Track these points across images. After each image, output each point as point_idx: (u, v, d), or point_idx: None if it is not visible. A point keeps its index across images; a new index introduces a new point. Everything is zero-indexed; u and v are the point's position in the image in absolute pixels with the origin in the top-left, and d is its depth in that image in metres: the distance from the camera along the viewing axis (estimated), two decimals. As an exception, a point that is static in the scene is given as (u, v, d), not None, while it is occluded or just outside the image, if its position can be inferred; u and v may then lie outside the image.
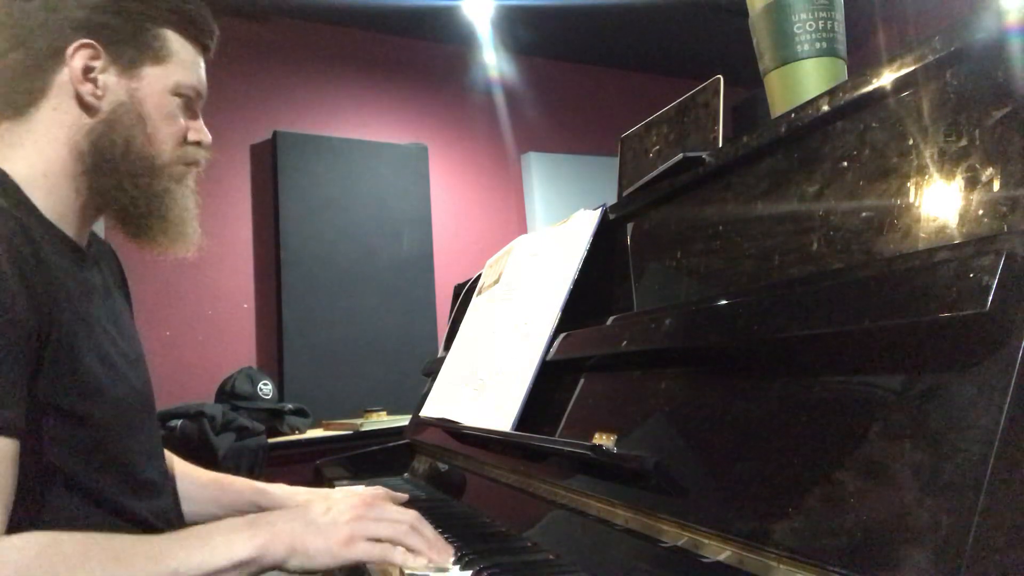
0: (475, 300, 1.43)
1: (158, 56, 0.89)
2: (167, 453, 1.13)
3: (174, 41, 0.90)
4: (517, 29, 3.70)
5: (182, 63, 0.91)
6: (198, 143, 0.94)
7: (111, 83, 0.86)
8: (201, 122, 0.95)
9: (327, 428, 2.81)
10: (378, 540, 0.76)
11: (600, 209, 1.07)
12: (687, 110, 1.12)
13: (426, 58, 3.81)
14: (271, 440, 2.59)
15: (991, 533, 0.39)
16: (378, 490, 1.08)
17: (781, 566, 0.51)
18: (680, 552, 0.61)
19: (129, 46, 0.87)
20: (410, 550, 0.75)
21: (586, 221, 1.08)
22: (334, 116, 3.53)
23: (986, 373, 0.43)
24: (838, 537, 0.46)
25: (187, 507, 1.08)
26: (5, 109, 0.85)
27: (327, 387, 3.14)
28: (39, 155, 0.84)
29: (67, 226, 0.86)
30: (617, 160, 1.32)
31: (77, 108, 0.85)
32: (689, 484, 0.62)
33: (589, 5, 3.54)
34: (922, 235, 0.56)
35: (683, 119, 1.13)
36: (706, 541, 0.59)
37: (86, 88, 0.84)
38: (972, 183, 0.53)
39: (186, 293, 3.02)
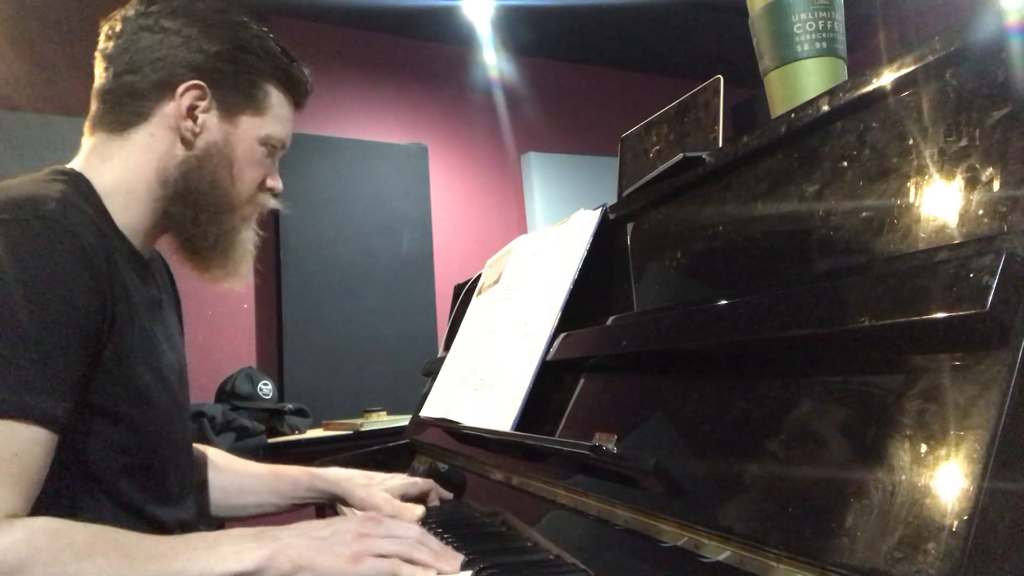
0: (475, 300, 1.43)
1: (258, 108, 0.95)
2: (213, 450, 1.14)
3: (274, 96, 0.97)
4: (517, 29, 3.70)
5: (277, 117, 0.97)
6: (271, 190, 1.00)
7: (211, 124, 0.92)
8: (277, 171, 1.01)
9: (327, 428, 2.81)
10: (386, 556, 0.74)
11: (600, 209, 1.07)
12: (687, 110, 1.12)
13: (426, 58, 3.81)
14: (271, 440, 2.59)
15: (991, 533, 0.39)
16: (428, 482, 1.12)
17: (781, 566, 0.51)
18: (680, 552, 0.61)
19: (234, 94, 0.93)
20: (418, 564, 0.74)
21: (586, 221, 1.08)
22: (334, 116, 3.53)
23: (986, 373, 0.43)
24: (838, 537, 0.46)
25: (246, 499, 1.11)
26: (104, 123, 0.90)
27: (327, 387, 3.14)
28: (126, 172, 0.89)
29: (136, 241, 0.91)
30: (617, 160, 1.32)
31: (173, 138, 0.90)
32: (689, 484, 0.62)
33: (589, 5, 3.54)
34: (922, 235, 0.56)
35: (683, 119, 1.13)
36: (706, 541, 0.59)
37: (187, 124, 0.90)
38: (972, 183, 0.53)
39: (186, 293, 3.00)
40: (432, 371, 1.56)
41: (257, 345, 3.23)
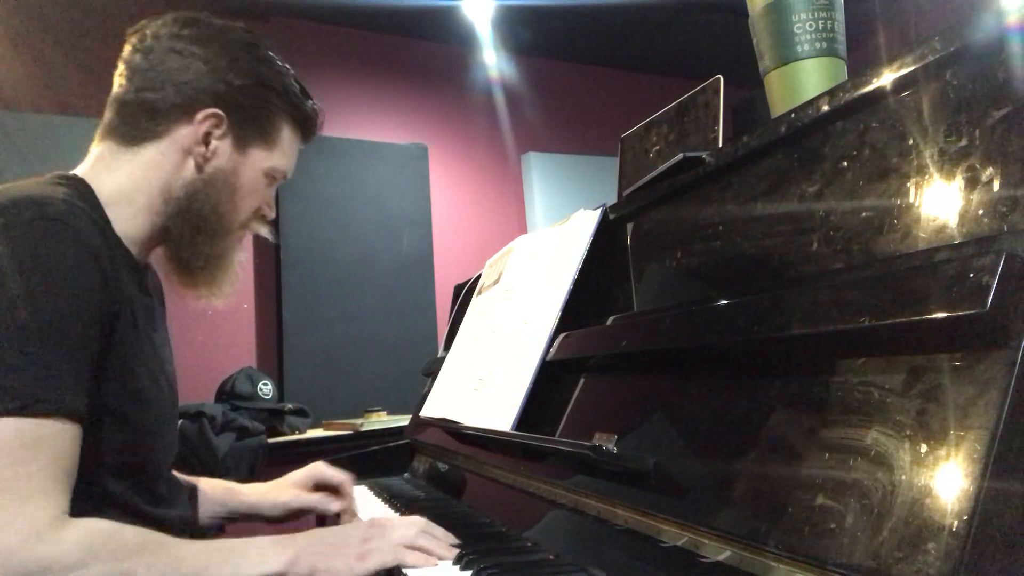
0: (475, 300, 1.43)
1: (269, 141, 0.98)
2: None
3: (285, 132, 1.00)
4: (517, 29, 3.70)
5: (284, 152, 1.01)
6: (263, 216, 1.03)
7: (222, 151, 0.94)
8: (273, 199, 1.04)
9: (327, 428, 2.80)
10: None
11: (600, 209, 1.07)
12: (687, 110, 1.12)
13: (426, 58, 3.80)
14: (271, 440, 2.59)
15: (991, 533, 0.39)
16: (339, 474, 1.15)
17: (781, 566, 0.51)
18: (680, 552, 0.61)
19: (249, 127, 0.96)
20: (422, 551, 0.80)
21: (586, 221, 1.08)
22: (334, 116, 3.52)
23: (986, 373, 0.43)
24: (838, 537, 0.46)
25: None
26: (116, 134, 0.92)
27: (327, 387, 3.14)
28: (131, 184, 0.91)
29: (133, 250, 0.92)
30: (617, 160, 1.32)
31: (182, 159, 0.92)
32: (689, 484, 0.62)
33: (589, 5, 3.54)
34: (922, 235, 0.56)
35: (683, 119, 1.13)
36: (706, 541, 0.59)
37: (200, 149, 0.93)
38: (972, 183, 0.53)
39: (185, 293, 3.01)
40: (432, 371, 1.56)
41: (257, 345, 3.22)
